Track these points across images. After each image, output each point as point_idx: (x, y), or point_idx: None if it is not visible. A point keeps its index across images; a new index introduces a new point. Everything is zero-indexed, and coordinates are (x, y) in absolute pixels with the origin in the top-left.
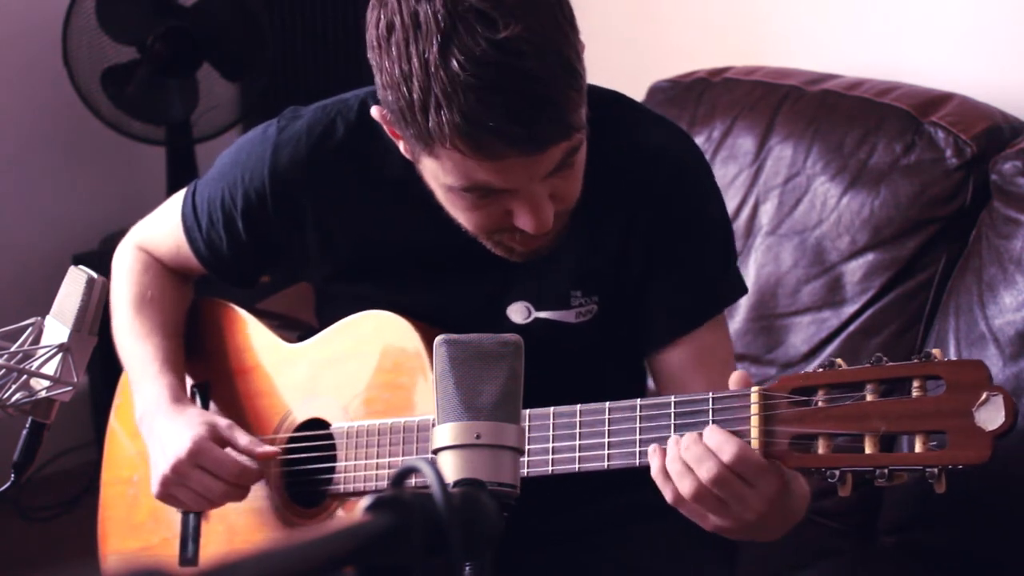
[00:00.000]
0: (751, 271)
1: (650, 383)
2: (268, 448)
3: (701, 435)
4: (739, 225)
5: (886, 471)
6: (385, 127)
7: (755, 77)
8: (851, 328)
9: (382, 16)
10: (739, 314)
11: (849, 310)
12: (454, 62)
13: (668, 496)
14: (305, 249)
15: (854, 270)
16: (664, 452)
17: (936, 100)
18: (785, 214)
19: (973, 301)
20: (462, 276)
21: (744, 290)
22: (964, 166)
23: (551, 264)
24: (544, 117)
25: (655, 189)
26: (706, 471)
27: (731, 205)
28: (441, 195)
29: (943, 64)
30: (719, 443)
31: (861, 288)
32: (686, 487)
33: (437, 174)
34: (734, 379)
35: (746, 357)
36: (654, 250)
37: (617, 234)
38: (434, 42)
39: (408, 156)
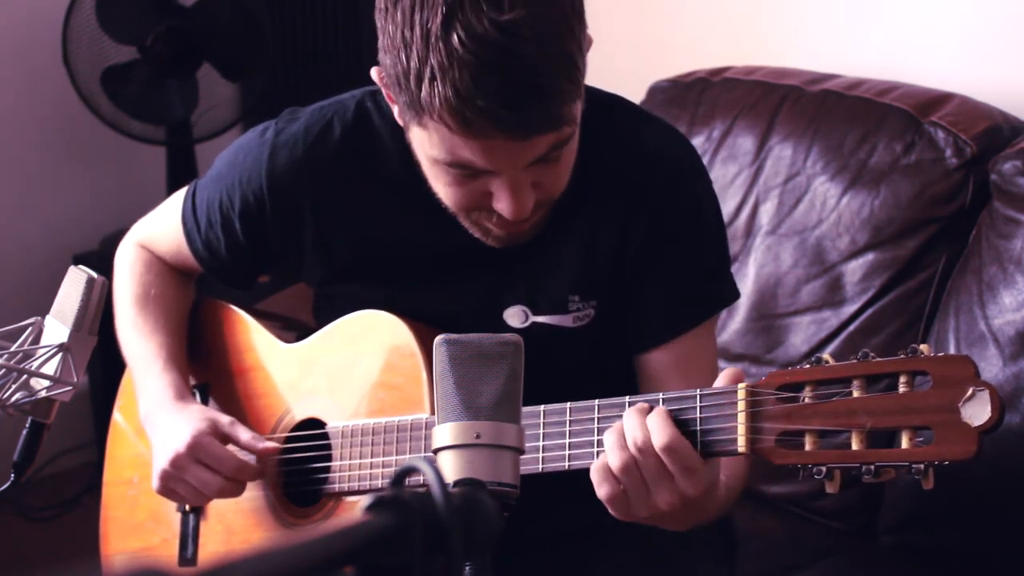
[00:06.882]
0: (751, 271)
1: None
2: (269, 444)
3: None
4: (739, 225)
5: (872, 467)
6: (383, 90)
7: (755, 77)
8: (851, 328)
9: None
10: (739, 314)
11: (849, 310)
12: (455, 36)
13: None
14: (302, 250)
15: (854, 270)
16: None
17: (936, 100)
18: (785, 214)
19: (973, 301)
20: (459, 278)
21: (736, 296)
22: (964, 166)
23: (549, 268)
24: (535, 105)
25: (650, 193)
26: (635, 446)
27: (731, 205)
28: (426, 166)
29: (943, 64)
30: (656, 426)
31: (861, 288)
32: (615, 460)
33: (424, 144)
34: (724, 375)
35: (746, 357)
36: (647, 254)
37: (614, 238)
38: (439, 13)
39: (400, 122)
